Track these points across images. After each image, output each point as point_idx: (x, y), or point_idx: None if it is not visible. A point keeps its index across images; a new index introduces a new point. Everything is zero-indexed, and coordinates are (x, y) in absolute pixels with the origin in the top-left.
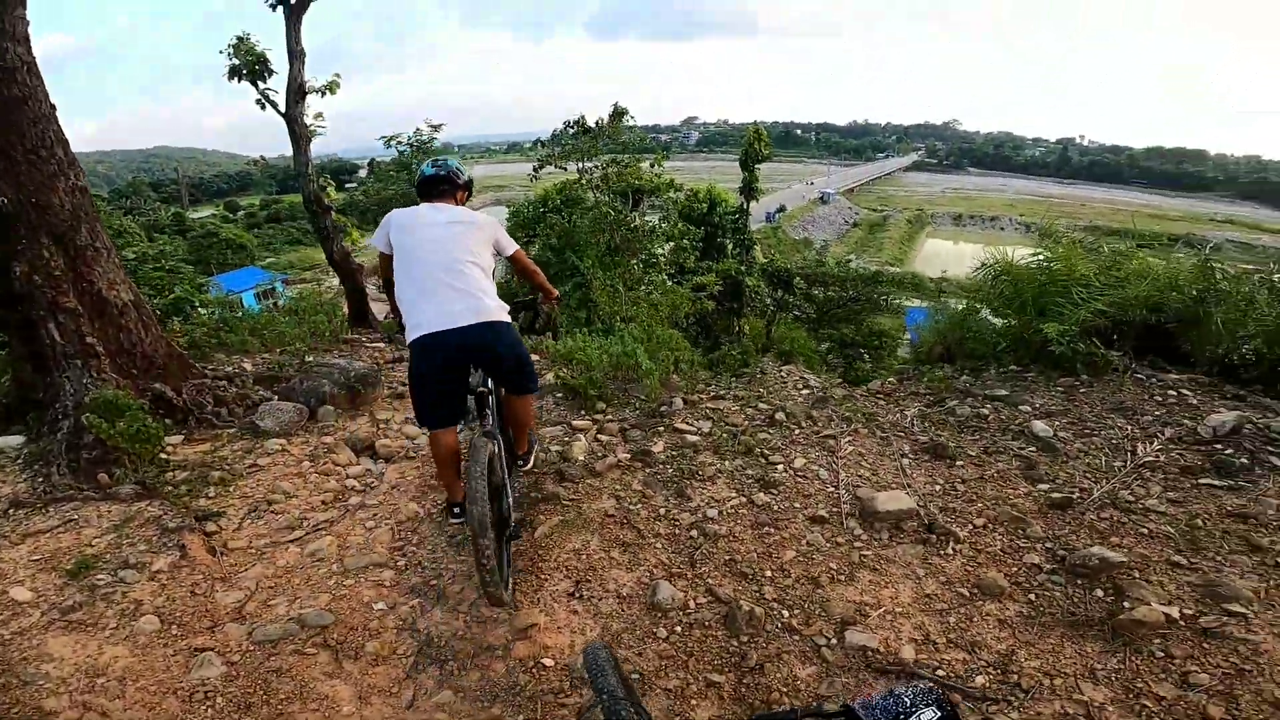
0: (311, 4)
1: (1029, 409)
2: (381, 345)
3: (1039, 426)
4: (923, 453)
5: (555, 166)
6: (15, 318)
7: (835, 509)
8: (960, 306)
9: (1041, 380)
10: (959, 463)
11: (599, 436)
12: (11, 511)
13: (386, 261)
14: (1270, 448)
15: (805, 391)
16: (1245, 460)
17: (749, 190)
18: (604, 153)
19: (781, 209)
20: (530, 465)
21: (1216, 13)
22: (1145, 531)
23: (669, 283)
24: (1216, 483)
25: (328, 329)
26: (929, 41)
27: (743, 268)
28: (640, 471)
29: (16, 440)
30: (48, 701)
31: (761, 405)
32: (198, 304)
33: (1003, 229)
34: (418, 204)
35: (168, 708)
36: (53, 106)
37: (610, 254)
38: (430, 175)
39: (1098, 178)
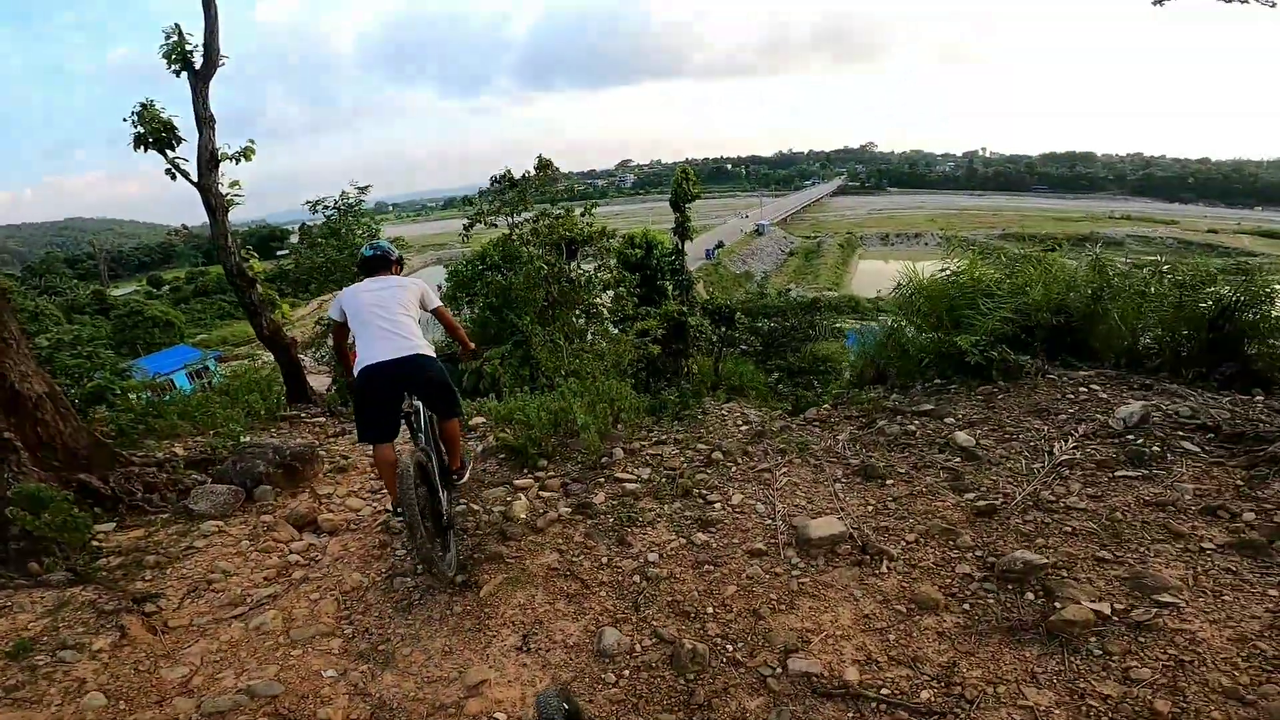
0: (219, 69)
1: (953, 420)
2: (322, 420)
3: (961, 437)
4: (854, 476)
5: (485, 224)
6: None
7: (773, 540)
8: (886, 326)
9: (964, 391)
10: (889, 481)
11: (540, 494)
12: None
13: (340, 328)
14: (1180, 433)
15: (744, 428)
16: (1157, 448)
17: (682, 230)
18: (533, 205)
19: (720, 245)
20: (464, 479)
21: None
22: (1069, 530)
23: (613, 330)
24: (1131, 473)
25: (263, 407)
26: (841, 73)
27: (684, 308)
28: (582, 524)
29: None
30: None
31: (700, 446)
32: (118, 391)
33: (926, 244)
34: (359, 278)
35: None
36: None
37: (548, 309)
38: (369, 255)
39: (1003, 187)
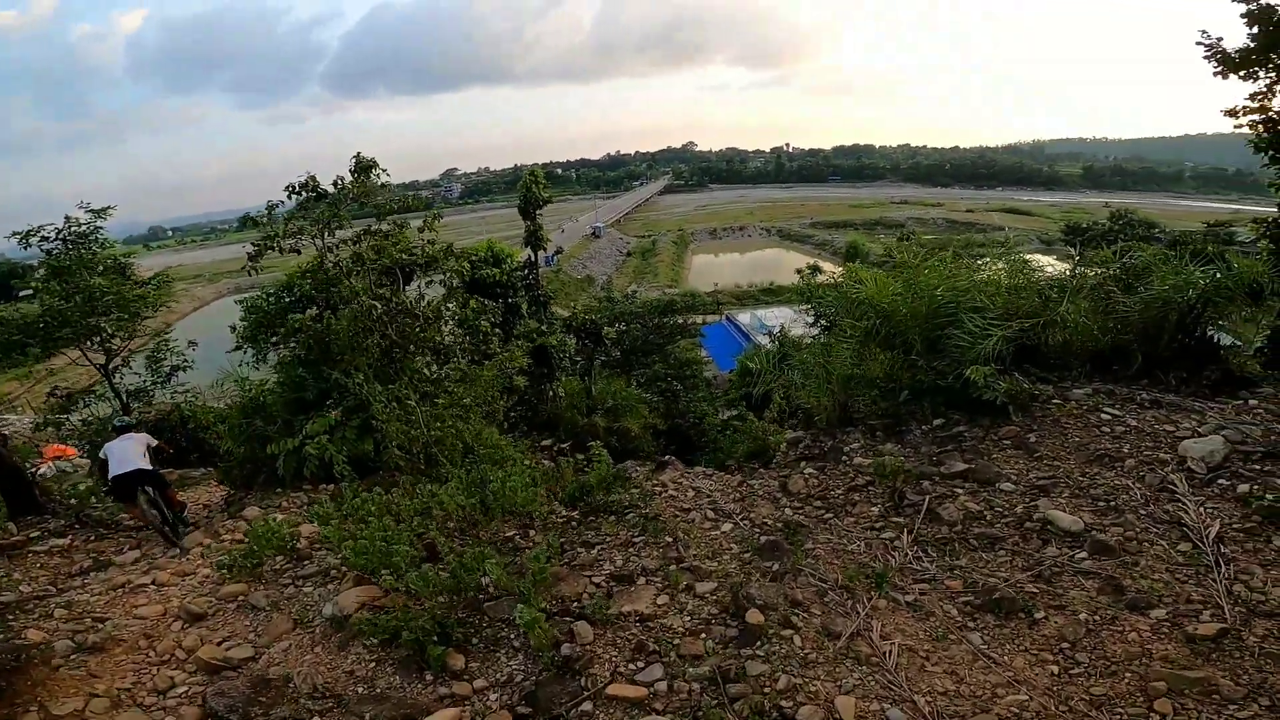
0: None
1: (1012, 486)
2: (65, 541)
3: (1064, 520)
4: (984, 613)
5: (281, 251)
6: None
7: None
8: (824, 353)
9: (977, 434)
10: (1038, 614)
11: None
12: None
13: (104, 463)
14: (1260, 466)
15: (726, 526)
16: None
17: (535, 240)
18: (350, 221)
19: (559, 251)
20: (186, 510)
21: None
22: None
23: (471, 367)
24: None
25: None
26: (661, 75)
27: (543, 327)
28: None
29: None
30: None
31: (700, 587)
32: None
33: (750, 235)
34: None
35: None
36: None
37: (387, 358)
38: (119, 426)
39: (806, 179)
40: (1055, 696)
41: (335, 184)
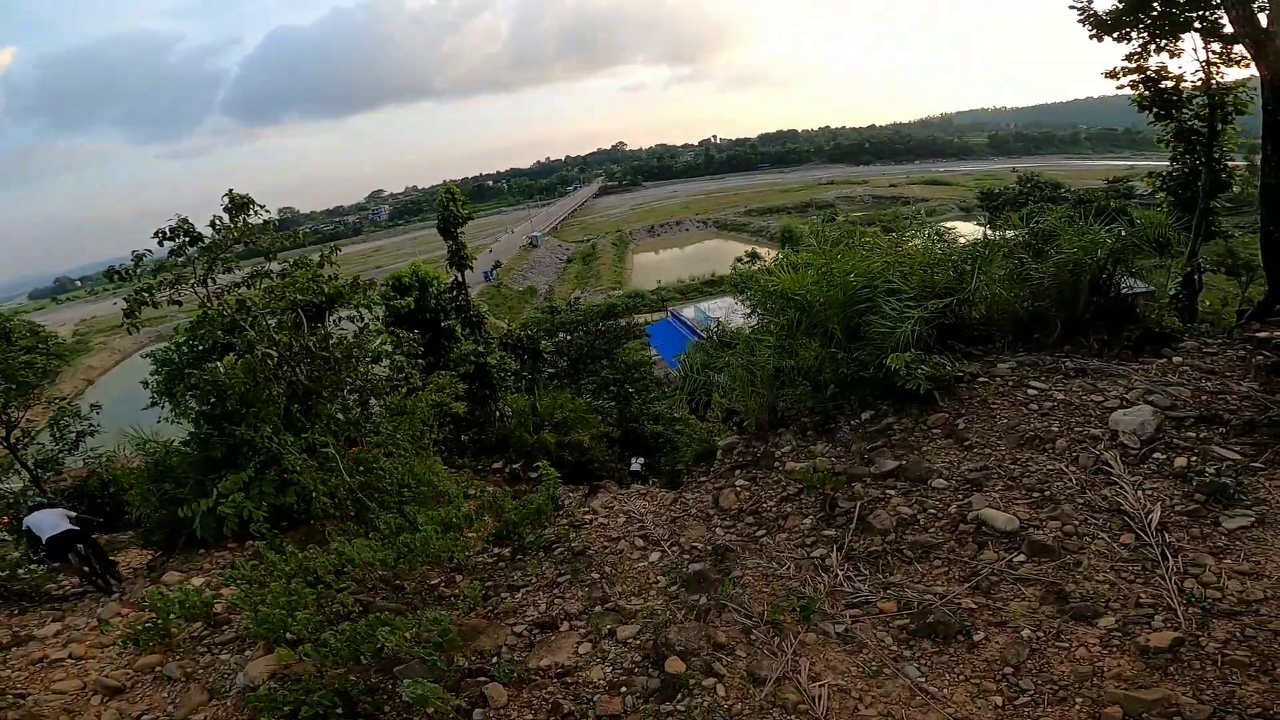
0: None
1: (944, 482)
2: None
3: (998, 518)
4: (920, 639)
5: (155, 305)
6: None
7: None
8: (750, 353)
9: (907, 425)
10: (977, 635)
11: None
12: None
13: (30, 534)
14: (1192, 434)
15: (654, 556)
16: (1214, 471)
17: (459, 259)
18: (236, 265)
19: (497, 264)
20: (118, 572)
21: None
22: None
23: (405, 399)
24: (1239, 520)
25: None
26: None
27: (480, 348)
28: None
29: None
30: None
31: (623, 631)
32: None
33: (688, 230)
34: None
35: None
36: None
37: (302, 404)
38: (33, 505)
39: (736, 168)
40: None
41: (212, 225)
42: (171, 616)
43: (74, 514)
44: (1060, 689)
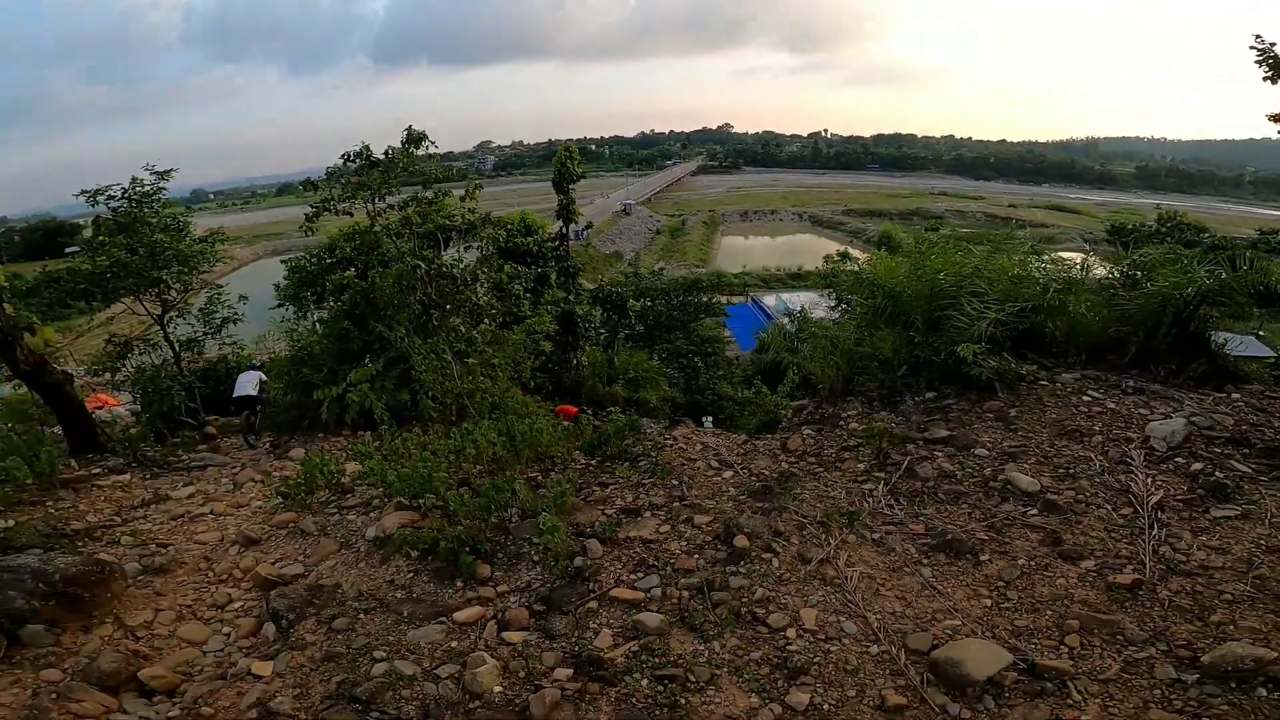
0: None
1: (986, 452)
2: (126, 478)
3: (1023, 481)
4: (936, 553)
5: (336, 212)
6: None
7: (904, 683)
8: (836, 330)
9: (965, 407)
10: (983, 557)
11: (504, 635)
12: None
13: (233, 386)
14: (1217, 449)
15: (727, 474)
16: (1221, 475)
17: (567, 213)
18: (399, 188)
19: (589, 225)
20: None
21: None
22: (1230, 598)
23: (500, 331)
24: (1227, 511)
25: (28, 475)
26: (700, 56)
27: (570, 297)
28: (601, 700)
29: None
30: None
31: (698, 519)
32: None
33: (782, 220)
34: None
35: None
36: None
37: (426, 315)
38: (251, 367)
39: (843, 166)
40: (984, 624)
41: (386, 153)
42: (317, 475)
43: (265, 379)
44: (1038, 603)
